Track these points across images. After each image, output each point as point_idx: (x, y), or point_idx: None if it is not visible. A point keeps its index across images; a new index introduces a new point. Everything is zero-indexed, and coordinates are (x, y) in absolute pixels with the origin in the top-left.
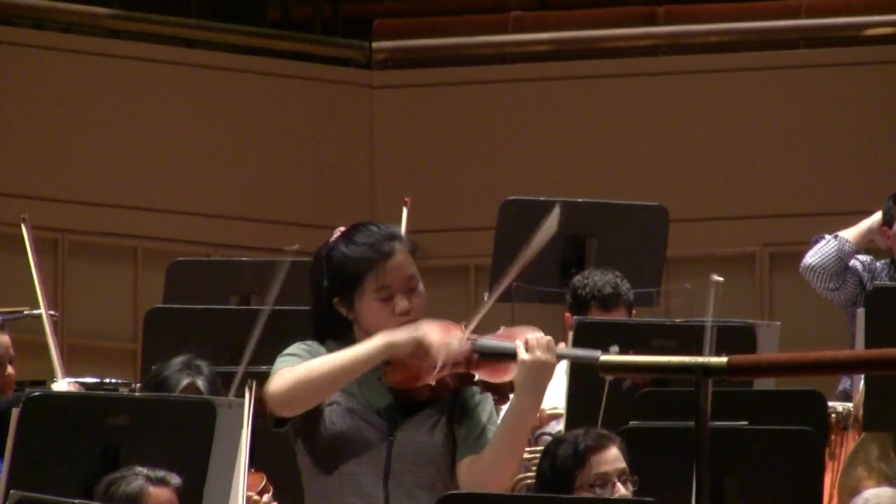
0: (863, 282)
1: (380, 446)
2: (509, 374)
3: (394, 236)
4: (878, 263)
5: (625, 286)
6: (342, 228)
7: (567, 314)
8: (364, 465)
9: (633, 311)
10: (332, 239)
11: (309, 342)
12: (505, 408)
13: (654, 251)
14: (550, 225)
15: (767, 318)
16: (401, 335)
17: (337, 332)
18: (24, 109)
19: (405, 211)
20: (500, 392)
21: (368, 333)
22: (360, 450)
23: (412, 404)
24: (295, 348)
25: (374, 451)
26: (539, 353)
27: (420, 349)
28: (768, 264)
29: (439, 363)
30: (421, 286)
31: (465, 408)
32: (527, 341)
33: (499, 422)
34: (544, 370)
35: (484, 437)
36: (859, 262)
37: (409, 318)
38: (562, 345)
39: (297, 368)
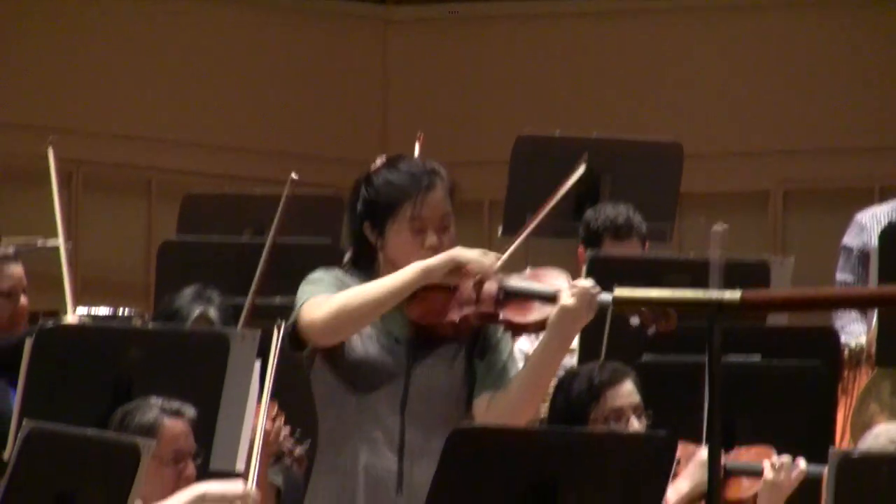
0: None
1: (398, 377)
2: (535, 314)
3: (436, 171)
4: (882, 215)
5: (637, 218)
6: (384, 157)
7: (580, 248)
8: (382, 394)
9: (646, 245)
10: (374, 165)
11: (331, 268)
12: (519, 343)
13: (668, 187)
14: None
15: (781, 254)
16: (435, 259)
17: (360, 262)
18: (39, 42)
19: (417, 146)
20: (523, 331)
21: (392, 264)
22: (378, 379)
23: (433, 339)
24: (319, 274)
25: (392, 381)
26: (582, 303)
27: (456, 268)
28: (782, 201)
29: (478, 277)
30: (452, 228)
31: (486, 343)
32: (574, 286)
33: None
34: (581, 319)
35: (505, 374)
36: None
37: (436, 253)
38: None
39: (335, 297)
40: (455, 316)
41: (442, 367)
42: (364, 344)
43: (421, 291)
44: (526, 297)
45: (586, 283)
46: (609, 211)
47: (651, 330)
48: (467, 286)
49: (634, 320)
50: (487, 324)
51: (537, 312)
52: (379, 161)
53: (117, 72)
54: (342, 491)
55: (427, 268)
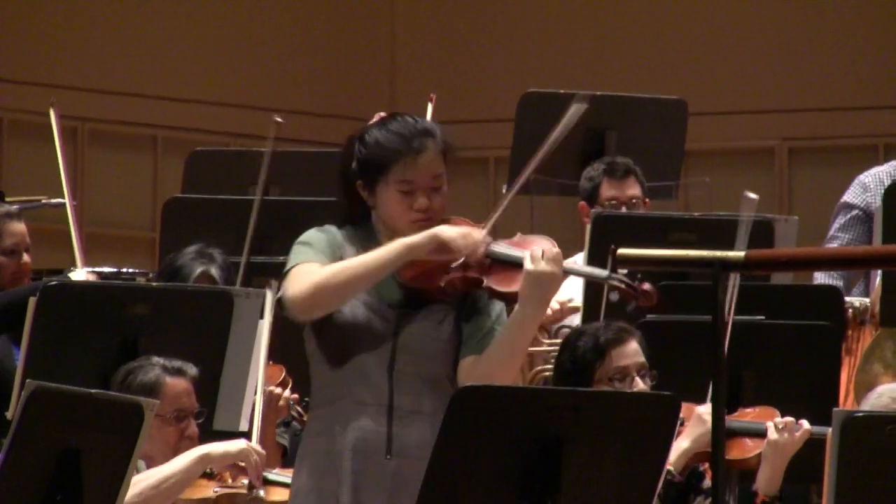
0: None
1: (386, 338)
2: (516, 284)
3: (428, 132)
4: (885, 175)
5: (636, 168)
6: (382, 114)
7: (581, 203)
8: (370, 355)
9: (648, 203)
10: (370, 122)
11: (326, 227)
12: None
13: (673, 144)
14: (570, 118)
15: (786, 212)
16: (419, 236)
17: (356, 218)
18: (44, 0)
19: (430, 107)
20: (505, 299)
21: (384, 222)
22: (367, 340)
23: (421, 300)
24: (310, 236)
25: (380, 342)
26: (545, 265)
27: (440, 246)
28: (787, 159)
29: (461, 256)
30: (444, 187)
31: (474, 306)
32: (532, 252)
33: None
34: (549, 282)
35: (489, 337)
36: (860, 207)
37: (425, 215)
38: (571, 260)
39: (317, 273)
40: (442, 279)
41: (430, 328)
42: (352, 306)
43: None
44: (508, 265)
45: (548, 243)
46: (606, 159)
47: (631, 306)
48: (457, 257)
49: (614, 296)
50: (472, 289)
51: (518, 281)
52: (375, 118)
53: (122, 29)
54: (330, 454)
55: (410, 244)
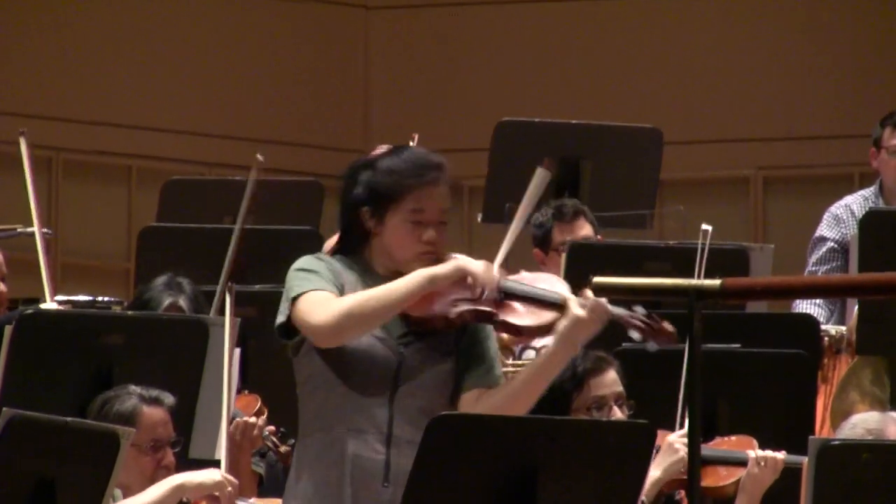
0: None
1: (388, 366)
2: (533, 319)
3: (441, 167)
4: (855, 206)
5: (584, 207)
6: (385, 146)
7: (535, 250)
8: (371, 385)
9: (601, 239)
10: (376, 152)
11: (319, 255)
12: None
13: (648, 173)
14: (536, 187)
15: (761, 241)
16: (442, 268)
17: (349, 247)
18: (20, 28)
19: (412, 146)
20: (518, 333)
21: (386, 253)
22: (368, 369)
23: (425, 331)
24: (310, 263)
25: (382, 371)
26: (589, 313)
27: (463, 278)
28: (762, 187)
29: (482, 289)
30: (447, 222)
31: (474, 340)
32: (583, 295)
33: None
34: (589, 329)
35: (493, 372)
36: (835, 239)
37: (431, 248)
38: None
39: (343, 302)
40: (451, 312)
41: (432, 360)
42: None
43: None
44: (526, 301)
45: (561, 283)
46: (551, 204)
47: (651, 346)
48: (476, 292)
49: (635, 334)
50: (483, 323)
51: (535, 317)
52: (383, 148)
53: (97, 59)
54: (328, 480)
55: (433, 276)
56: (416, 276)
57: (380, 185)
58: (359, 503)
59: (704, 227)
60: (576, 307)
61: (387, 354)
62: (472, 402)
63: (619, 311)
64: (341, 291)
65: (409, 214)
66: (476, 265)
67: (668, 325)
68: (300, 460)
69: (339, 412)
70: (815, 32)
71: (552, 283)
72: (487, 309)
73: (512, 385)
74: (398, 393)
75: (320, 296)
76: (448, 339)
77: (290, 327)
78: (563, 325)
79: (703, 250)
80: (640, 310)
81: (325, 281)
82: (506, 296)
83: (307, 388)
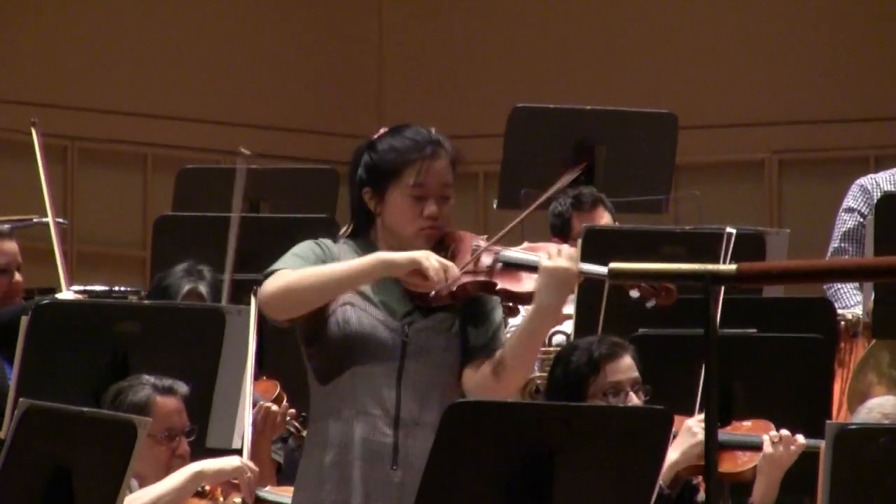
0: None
1: (394, 346)
2: (530, 284)
3: (441, 142)
4: (882, 180)
5: (602, 195)
6: (385, 129)
7: (553, 239)
8: (378, 364)
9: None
10: (377, 135)
11: (321, 240)
12: (514, 319)
13: (663, 158)
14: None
15: (777, 225)
16: (398, 256)
17: (358, 230)
18: (34, 17)
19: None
20: (520, 300)
21: (390, 231)
22: (374, 349)
23: (428, 309)
24: (301, 246)
25: (388, 351)
26: (561, 261)
27: (416, 272)
28: (777, 171)
29: (434, 288)
30: (452, 199)
31: (478, 313)
32: (548, 250)
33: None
34: (566, 278)
35: (494, 341)
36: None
37: (434, 223)
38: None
39: (289, 275)
40: (452, 285)
41: (438, 337)
42: (358, 317)
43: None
44: (525, 269)
45: (566, 248)
46: (570, 192)
47: (650, 303)
48: (464, 257)
49: (634, 293)
50: (484, 293)
51: (531, 282)
52: (381, 131)
53: (112, 47)
54: (338, 464)
55: (387, 262)
56: (371, 258)
57: (380, 163)
58: (368, 486)
59: (729, 230)
60: (545, 260)
61: (391, 335)
62: (472, 375)
63: (593, 267)
64: None
65: (409, 189)
66: (432, 262)
67: (668, 283)
68: (311, 444)
69: (347, 395)
70: (830, 15)
71: (545, 250)
72: (487, 279)
73: (503, 353)
74: (405, 372)
75: (281, 272)
76: (452, 315)
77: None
78: (538, 280)
79: (726, 253)
80: None
81: (303, 262)
82: (505, 265)
83: (316, 375)
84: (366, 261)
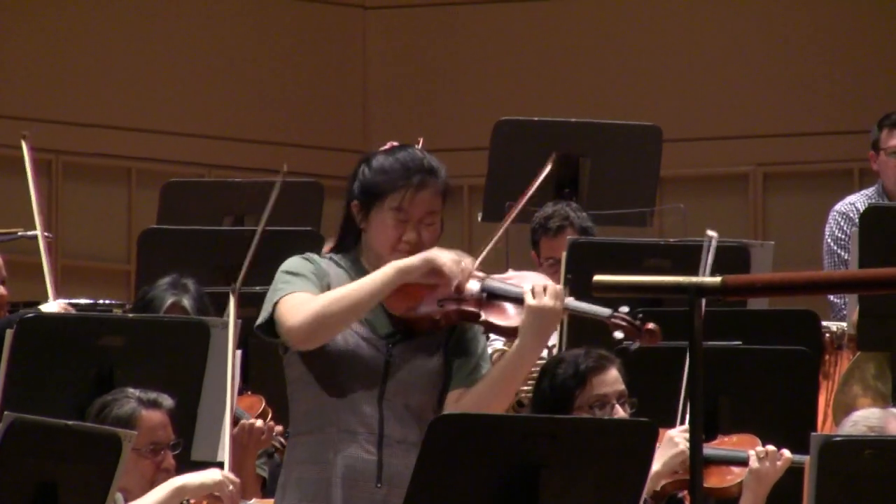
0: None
1: (377, 366)
2: (515, 319)
3: (433, 171)
4: (859, 205)
5: (575, 213)
6: (394, 143)
7: (532, 252)
8: (361, 383)
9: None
10: (383, 148)
11: (308, 255)
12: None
13: (647, 171)
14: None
15: (761, 238)
16: (411, 259)
17: (344, 243)
18: (18, 31)
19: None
20: (503, 334)
21: (370, 249)
22: (357, 368)
23: (412, 332)
24: (295, 264)
25: (370, 371)
26: (546, 300)
27: (432, 271)
28: (762, 184)
29: (454, 282)
30: (438, 225)
31: (461, 339)
32: (533, 287)
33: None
34: (550, 317)
35: (476, 371)
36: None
37: (408, 248)
38: (571, 298)
39: (316, 301)
40: (436, 312)
41: (420, 360)
42: (344, 334)
43: (403, 286)
44: (511, 300)
45: (545, 280)
46: (546, 210)
47: (634, 345)
48: (449, 283)
49: (618, 334)
50: (468, 322)
51: (517, 317)
52: (386, 146)
53: (96, 61)
54: (319, 482)
55: (403, 268)
56: (386, 270)
57: (369, 181)
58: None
59: (710, 233)
60: (529, 298)
61: (374, 354)
62: (454, 402)
63: (603, 311)
64: (326, 291)
65: (391, 213)
66: (445, 257)
67: (651, 325)
68: (290, 460)
69: (329, 413)
70: (813, 29)
71: (532, 281)
72: (472, 309)
73: (485, 383)
74: (387, 392)
75: (297, 298)
76: (436, 338)
77: (272, 327)
78: (523, 318)
79: (707, 256)
80: (624, 309)
81: (309, 283)
82: (490, 296)
83: (297, 387)
84: (383, 273)
